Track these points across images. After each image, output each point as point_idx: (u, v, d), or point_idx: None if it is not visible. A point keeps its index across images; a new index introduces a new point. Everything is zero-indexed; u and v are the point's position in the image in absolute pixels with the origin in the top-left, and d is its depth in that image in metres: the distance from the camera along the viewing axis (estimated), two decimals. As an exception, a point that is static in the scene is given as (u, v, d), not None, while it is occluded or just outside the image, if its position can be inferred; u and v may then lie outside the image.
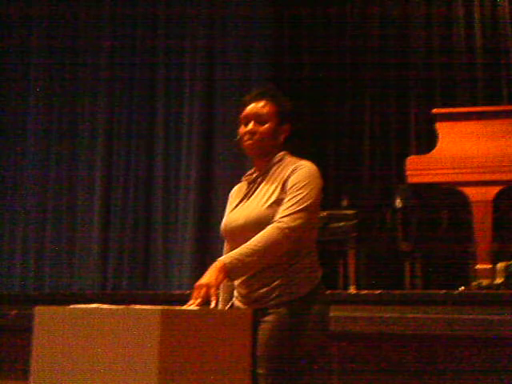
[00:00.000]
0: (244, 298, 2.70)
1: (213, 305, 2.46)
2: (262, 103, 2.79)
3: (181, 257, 7.73)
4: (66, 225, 8.38)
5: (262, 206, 2.67)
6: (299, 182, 2.67)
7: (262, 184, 2.76)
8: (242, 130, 2.79)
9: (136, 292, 7.35)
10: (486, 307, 4.93)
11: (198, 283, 2.52)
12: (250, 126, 2.76)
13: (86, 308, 2.37)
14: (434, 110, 5.85)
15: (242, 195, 2.83)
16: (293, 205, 2.62)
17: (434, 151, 5.70)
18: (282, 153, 2.81)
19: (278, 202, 2.65)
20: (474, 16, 7.61)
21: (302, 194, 2.64)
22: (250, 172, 2.87)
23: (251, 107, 2.79)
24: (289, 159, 2.79)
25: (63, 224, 8.40)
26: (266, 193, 2.71)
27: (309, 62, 7.92)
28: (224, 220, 2.84)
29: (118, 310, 2.29)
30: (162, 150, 8.15)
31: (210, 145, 7.86)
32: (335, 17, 8.05)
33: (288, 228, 2.58)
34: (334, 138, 7.89)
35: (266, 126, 2.76)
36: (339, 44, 7.97)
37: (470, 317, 4.86)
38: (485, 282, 5.38)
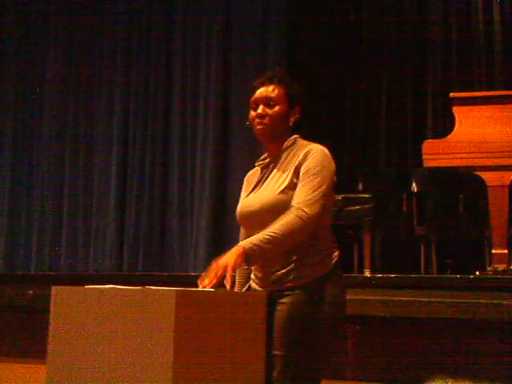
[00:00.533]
0: (261, 280, 2.71)
1: (227, 287, 2.47)
2: (271, 87, 2.77)
3: (196, 238, 7.75)
4: (83, 207, 8.42)
5: (276, 191, 2.67)
6: (313, 167, 2.66)
7: (275, 169, 2.76)
8: (252, 114, 2.78)
9: (151, 273, 7.39)
10: (501, 292, 4.93)
11: (215, 263, 2.54)
12: (260, 109, 2.75)
13: (102, 288, 2.39)
14: (452, 94, 5.81)
15: (255, 181, 2.83)
16: (309, 191, 2.62)
17: (450, 135, 5.67)
18: (293, 137, 2.80)
19: (291, 187, 2.66)
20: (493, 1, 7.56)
21: (317, 180, 2.64)
22: (262, 157, 2.87)
23: (260, 91, 2.78)
24: (300, 143, 2.78)
25: (79, 206, 8.45)
26: (279, 178, 2.71)
27: (325, 47, 7.88)
28: (239, 206, 2.84)
29: (133, 290, 2.30)
30: (178, 134, 8.16)
31: (226, 128, 7.85)
32: (351, 3, 8.03)
33: (307, 215, 2.58)
34: (351, 121, 7.87)
35: (276, 108, 2.75)
36: (356, 27, 7.94)
37: (486, 301, 4.86)
38: (500, 267, 5.36)
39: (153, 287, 2.31)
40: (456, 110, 5.69)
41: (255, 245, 2.55)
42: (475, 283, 5.11)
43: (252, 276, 2.78)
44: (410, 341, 4.99)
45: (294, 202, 2.62)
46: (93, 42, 8.69)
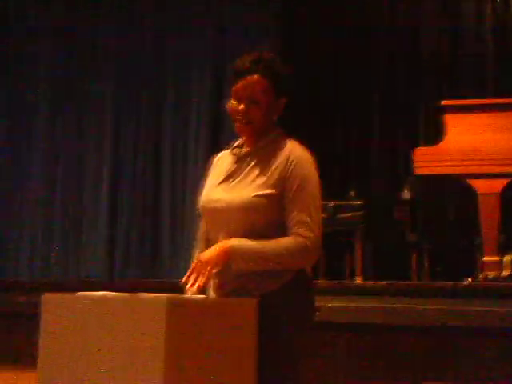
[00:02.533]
0: (220, 287, 2.57)
1: (201, 283, 2.41)
2: (255, 77, 2.55)
3: (187, 245, 7.73)
4: (74, 212, 8.40)
5: (251, 193, 2.50)
6: (303, 181, 2.51)
7: (252, 165, 2.59)
8: (233, 106, 2.59)
9: (142, 280, 7.37)
10: (492, 299, 4.94)
11: (199, 257, 2.49)
12: (242, 106, 2.55)
13: (93, 295, 2.38)
14: (443, 102, 5.83)
15: (227, 171, 2.64)
16: (308, 213, 2.49)
17: (442, 143, 5.69)
18: (275, 132, 2.62)
19: (268, 196, 2.50)
20: (485, 6, 7.59)
21: (311, 198, 2.52)
22: (238, 143, 2.69)
23: (243, 83, 2.55)
24: (283, 141, 2.61)
25: (71, 211, 8.42)
26: (256, 178, 2.54)
27: (317, 51, 7.90)
28: (204, 194, 2.67)
29: (124, 297, 2.30)
30: (169, 142, 8.16)
31: (218, 137, 7.85)
32: (343, 14, 8.05)
33: (313, 238, 2.47)
34: (343, 128, 7.88)
35: (259, 106, 2.56)
36: (348, 32, 7.96)
37: (477, 309, 4.87)
38: (491, 275, 5.38)
39: (144, 294, 2.30)
40: (447, 117, 5.71)
41: (244, 251, 2.45)
42: (467, 290, 5.12)
43: (210, 283, 2.59)
44: (402, 348, 4.99)
45: (291, 226, 2.49)
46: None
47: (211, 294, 2.59)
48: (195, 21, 8.17)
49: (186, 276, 2.47)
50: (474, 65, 7.54)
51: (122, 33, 8.48)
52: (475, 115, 5.68)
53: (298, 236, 2.47)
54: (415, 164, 5.70)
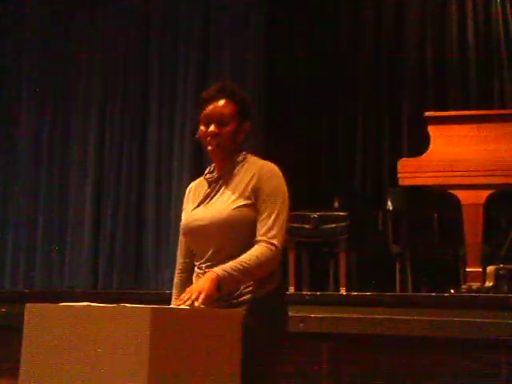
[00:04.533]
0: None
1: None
2: (222, 102, 2.76)
3: (172, 256, 7.72)
4: (58, 223, 8.37)
5: (229, 207, 2.68)
6: (271, 193, 2.69)
7: (225, 185, 2.77)
8: (203, 130, 2.78)
9: (127, 291, 7.35)
10: (475, 310, 4.94)
11: (189, 288, 2.56)
12: (212, 127, 2.75)
13: (77, 306, 2.37)
14: (427, 113, 5.85)
15: (203, 195, 2.82)
16: (275, 222, 2.66)
17: (425, 154, 5.71)
18: (243, 153, 2.82)
19: (247, 206, 2.67)
20: (467, 19, 7.64)
21: (278, 207, 2.68)
22: (209, 170, 2.87)
23: (212, 108, 2.76)
24: (251, 160, 2.81)
25: (54, 222, 8.40)
26: (231, 194, 2.72)
27: (302, 61, 7.92)
28: (184, 219, 2.84)
29: (108, 308, 2.29)
30: (154, 151, 8.15)
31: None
32: (330, 17, 8.08)
33: (276, 248, 2.64)
34: (327, 139, 7.90)
35: (228, 128, 2.75)
36: (332, 44, 7.99)
37: (460, 319, 4.88)
38: (475, 286, 5.39)
39: (128, 305, 2.30)
40: (431, 128, 5.74)
41: (227, 272, 2.56)
42: (450, 301, 5.13)
43: None
44: (385, 359, 5.00)
45: (260, 234, 2.65)
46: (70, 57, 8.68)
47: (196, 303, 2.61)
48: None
49: (174, 302, 2.62)
50: (459, 75, 7.57)
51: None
52: (459, 126, 5.71)
53: (264, 244, 2.64)
54: (399, 175, 5.71)
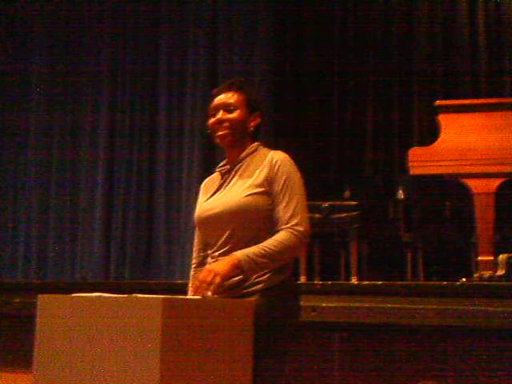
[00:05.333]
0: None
1: (209, 294, 2.47)
2: (230, 93, 2.81)
3: (183, 246, 7.74)
4: (69, 214, 8.40)
5: (241, 194, 2.68)
6: (288, 180, 2.70)
7: (238, 175, 2.78)
8: (212, 120, 2.81)
9: (138, 281, 7.37)
10: (487, 299, 4.94)
11: (208, 267, 2.57)
12: (219, 115, 2.78)
13: (89, 296, 2.38)
14: (437, 102, 5.83)
15: (216, 186, 2.84)
16: (295, 209, 2.66)
17: (436, 143, 5.69)
18: (255, 144, 2.84)
19: (260, 193, 2.68)
20: (477, 8, 7.60)
21: (298, 194, 2.70)
22: (222, 163, 2.89)
23: (219, 98, 2.82)
24: (262, 150, 2.82)
25: (66, 213, 8.42)
26: (244, 183, 2.72)
27: (311, 53, 7.90)
28: (197, 210, 2.85)
29: (120, 298, 2.30)
30: (164, 142, 8.16)
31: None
32: (338, 10, 8.05)
33: (301, 234, 2.64)
34: (337, 129, 7.89)
35: (235, 113, 2.78)
36: (342, 35, 7.97)
37: (472, 308, 4.87)
38: (486, 274, 5.38)
39: (140, 295, 2.30)
40: (441, 117, 5.71)
41: (249, 257, 2.57)
42: (462, 290, 5.12)
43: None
44: (398, 348, 5.00)
45: (283, 222, 2.65)
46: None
47: (208, 292, 2.62)
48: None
49: (193, 285, 2.57)
50: (468, 64, 7.55)
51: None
52: (469, 115, 5.68)
53: (290, 230, 2.64)
54: (410, 164, 5.69)
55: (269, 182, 2.69)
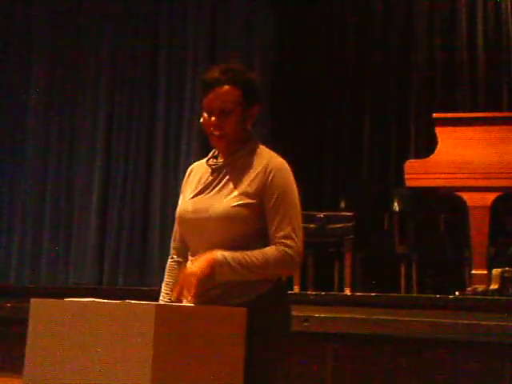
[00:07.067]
0: (202, 294, 2.49)
1: (189, 297, 2.42)
2: (224, 88, 2.56)
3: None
4: (64, 219, 8.38)
5: (230, 203, 2.52)
6: (284, 192, 2.54)
7: (229, 175, 2.60)
8: (206, 118, 2.60)
9: (131, 287, 7.36)
10: (480, 313, 4.94)
11: (184, 271, 2.51)
12: (214, 118, 2.56)
13: (82, 302, 2.38)
14: (434, 115, 5.85)
15: (204, 183, 2.65)
16: (290, 224, 2.52)
17: (433, 155, 5.71)
18: (251, 142, 2.64)
19: (249, 206, 2.52)
20: (477, 21, 7.62)
21: (293, 208, 2.55)
22: (213, 154, 2.70)
23: (214, 96, 2.57)
24: (259, 151, 2.63)
25: (60, 218, 8.41)
26: (233, 189, 2.55)
27: (308, 66, 7.90)
28: (181, 206, 2.70)
29: (113, 304, 2.30)
30: (161, 146, 8.15)
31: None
32: (337, 17, 8.07)
33: (296, 253, 2.52)
34: (334, 139, 7.90)
35: (232, 117, 2.56)
36: (341, 45, 7.98)
37: (465, 322, 4.87)
38: (480, 288, 5.39)
39: (133, 301, 2.30)
40: (438, 130, 5.73)
41: (227, 261, 2.45)
42: (455, 303, 5.12)
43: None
44: (389, 359, 5.00)
45: (275, 238, 2.52)
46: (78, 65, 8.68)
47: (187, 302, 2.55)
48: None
49: (174, 290, 2.51)
50: (466, 78, 7.56)
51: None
52: (467, 128, 5.70)
53: (282, 246, 2.51)
54: (406, 176, 5.71)
55: (261, 193, 2.53)
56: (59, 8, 8.64)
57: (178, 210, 2.70)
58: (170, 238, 2.87)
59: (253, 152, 2.63)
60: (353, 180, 7.69)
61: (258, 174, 2.56)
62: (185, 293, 2.45)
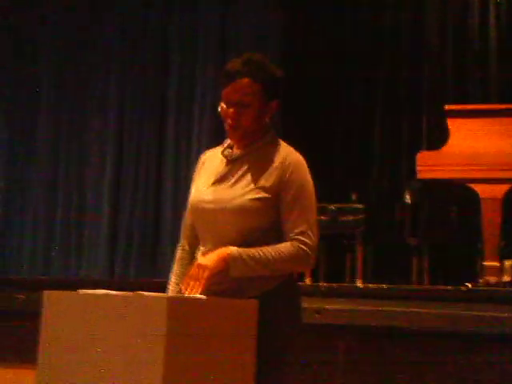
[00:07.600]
0: (214, 286, 2.50)
1: (198, 290, 2.42)
2: (245, 81, 2.53)
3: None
4: (76, 210, 8.40)
5: (245, 196, 2.50)
6: (301, 188, 2.53)
7: (245, 167, 2.57)
8: (224, 109, 2.58)
9: (144, 279, 7.37)
10: (493, 304, 4.93)
11: (197, 263, 2.50)
12: (232, 110, 2.54)
13: (94, 293, 2.38)
14: (446, 106, 5.83)
15: (218, 172, 2.62)
16: (307, 221, 2.51)
17: (444, 147, 5.69)
18: (268, 135, 2.62)
19: (265, 200, 2.50)
20: (489, 13, 7.58)
21: (309, 205, 2.53)
22: (229, 144, 2.67)
23: (233, 87, 2.54)
24: (276, 145, 2.60)
25: (72, 209, 8.43)
26: (249, 182, 2.53)
27: (319, 58, 7.88)
28: (194, 195, 2.67)
29: (125, 296, 2.30)
30: (172, 143, 8.16)
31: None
32: (348, 15, 8.05)
33: (311, 249, 2.50)
34: (345, 131, 7.88)
35: (249, 110, 2.54)
36: (352, 40, 7.95)
37: (477, 313, 4.87)
38: (492, 280, 5.38)
39: (145, 293, 2.30)
40: (450, 122, 5.71)
41: (241, 257, 2.45)
42: (467, 295, 5.12)
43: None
44: (401, 352, 5.00)
45: (291, 234, 2.50)
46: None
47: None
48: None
49: (184, 282, 2.50)
50: (479, 69, 7.53)
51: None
52: (479, 120, 5.68)
53: (298, 243, 2.49)
54: (418, 168, 5.69)
55: (278, 188, 2.51)
56: (69, 12, 8.65)
57: (191, 198, 2.68)
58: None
59: (270, 145, 2.60)
60: (364, 172, 7.68)
61: (275, 169, 2.54)
62: (194, 284, 2.44)
